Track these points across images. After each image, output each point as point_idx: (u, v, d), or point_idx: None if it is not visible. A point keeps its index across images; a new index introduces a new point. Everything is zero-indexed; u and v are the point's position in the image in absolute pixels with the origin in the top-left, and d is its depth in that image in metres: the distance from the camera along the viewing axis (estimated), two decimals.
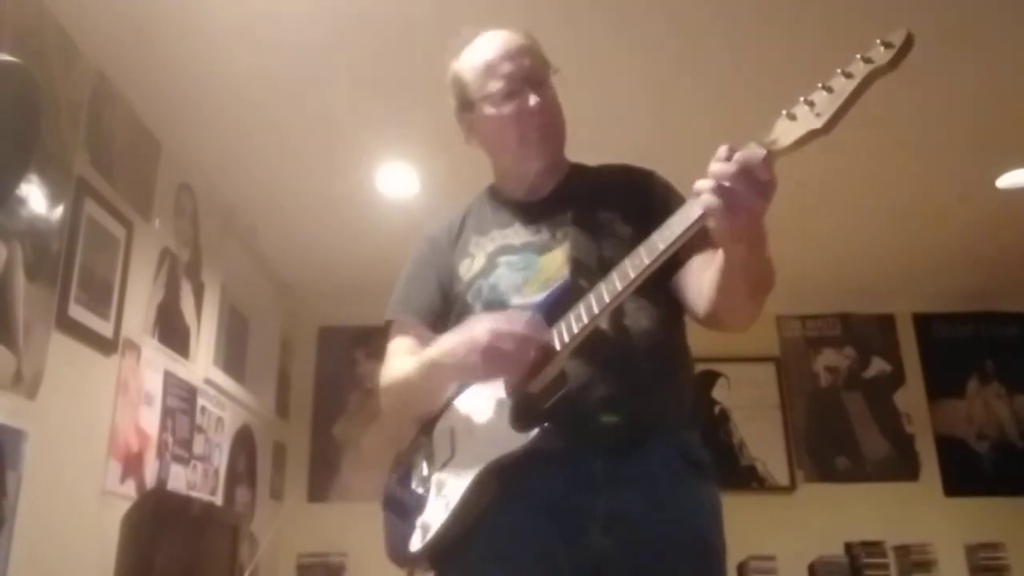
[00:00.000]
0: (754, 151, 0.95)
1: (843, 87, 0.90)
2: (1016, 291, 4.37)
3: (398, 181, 3.20)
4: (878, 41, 0.89)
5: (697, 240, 1.07)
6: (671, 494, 1.16)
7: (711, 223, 0.99)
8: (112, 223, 2.44)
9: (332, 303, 4.36)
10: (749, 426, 4.31)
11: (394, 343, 1.39)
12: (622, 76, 2.60)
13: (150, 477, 2.62)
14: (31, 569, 1.94)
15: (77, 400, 2.23)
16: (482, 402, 1.20)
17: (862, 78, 0.89)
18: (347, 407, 4.33)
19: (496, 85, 1.32)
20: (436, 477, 1.23)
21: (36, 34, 2.09)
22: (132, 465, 2.50)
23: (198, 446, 3.04)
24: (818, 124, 0.91)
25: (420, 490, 1.25)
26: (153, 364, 2.69)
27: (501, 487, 1.14)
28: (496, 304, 1.26)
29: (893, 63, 0.89)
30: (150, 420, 2.65)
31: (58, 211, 2.16)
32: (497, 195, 1.43)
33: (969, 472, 4.25)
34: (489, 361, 1.10)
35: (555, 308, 1.15)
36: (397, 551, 1.26)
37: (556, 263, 1.26)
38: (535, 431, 1.10)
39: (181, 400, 2.90)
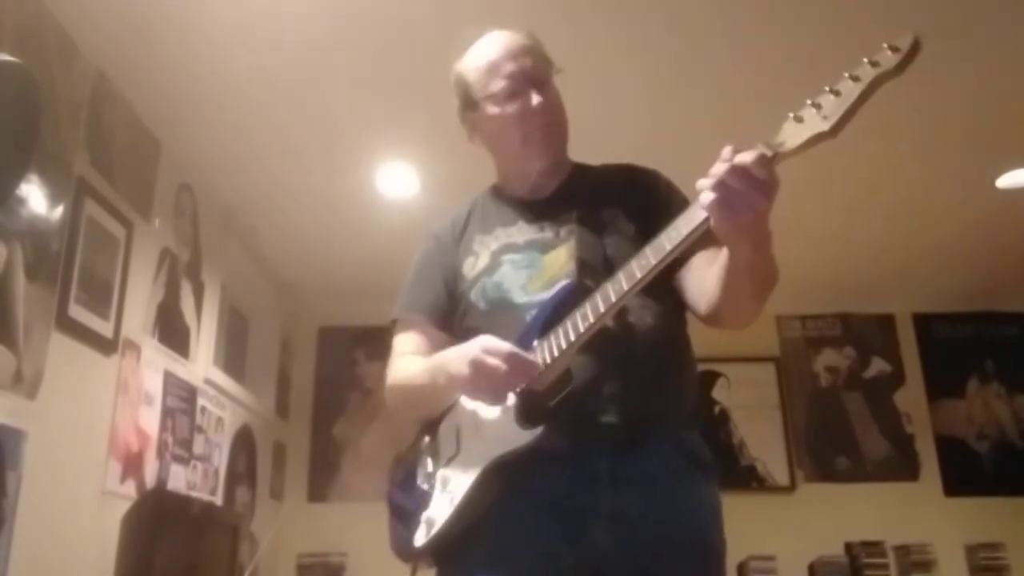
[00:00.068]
0: (752, 150, 0.95)
1: (850, 91, 0.91)
2: (1016, 291, 4.37)
3: (398, 181, 3.20)
4: (885, 45, 0.90)
5: (701, 238, 1.07)
6: (669, 494, 1.16)
7: (712, 221, 0.99)
8: (112, 223, 2.44)
9: (332, 303, 4.35)
10: (749, 426, 4.31)
11: (399, 340, 1.40)
12: (622, 76, 2.59)
13: (150, 477, 2.62)
14: (31, 569, 1.94)
15: (77, 400, 2.22)
16: None
17: (869, 82, 0.90)
18: (347, 407, 4.33)
19: (499, 85, 1.32)
20: (441, 473, 1.24)
21: (36, 34, 2.09)
22: (132, 465, 2.50)
23: (198, 446, 3.04)
24: (825, 127, 0.91)
25: (425, 486, 1.26)
26: (153, 364, 2.69)
27: (505, 485, 1.15)
28: (500, 302, 1.27)
29: (900, 68, 0.89)
30: (150, 420, 2.65)
31: (58, 211, 2.16)
32: (500, 194, 1.44)
33: (969, 472, 4.25)
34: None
35: (561, 306, 1.16)
36: (401, 546, 1.27)
37: (560, 261, 1.26)
38: (540, 428, 1.10)
39: (181, 400, 2.90)
